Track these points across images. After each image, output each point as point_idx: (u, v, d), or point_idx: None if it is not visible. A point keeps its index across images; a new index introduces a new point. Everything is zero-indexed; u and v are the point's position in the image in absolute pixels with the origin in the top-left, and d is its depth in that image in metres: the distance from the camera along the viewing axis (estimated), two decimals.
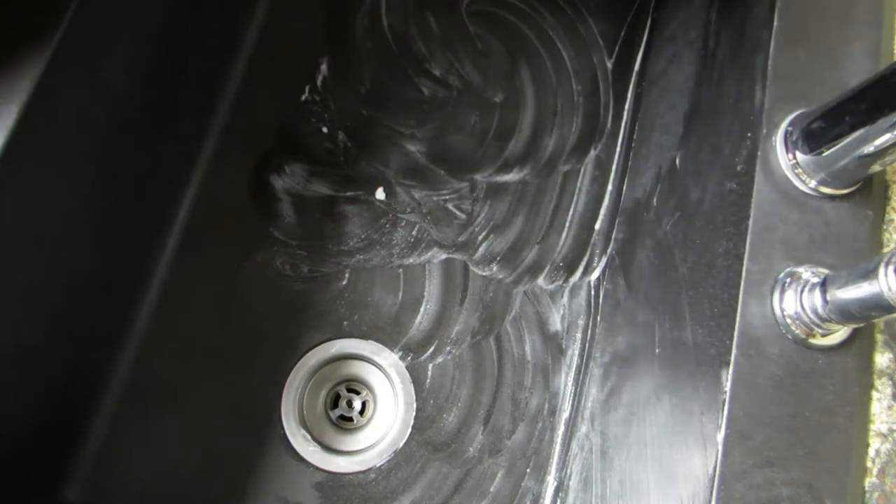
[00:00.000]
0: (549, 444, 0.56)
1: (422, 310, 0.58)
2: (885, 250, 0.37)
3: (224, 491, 0.53)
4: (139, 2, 0.49)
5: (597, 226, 0.62)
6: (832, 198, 0.36)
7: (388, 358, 0.57)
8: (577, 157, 0.63)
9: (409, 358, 0.57)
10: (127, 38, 0.48)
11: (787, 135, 0.37)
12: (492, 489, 0.55)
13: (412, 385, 0.56)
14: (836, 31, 0.39)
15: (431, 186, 0.61)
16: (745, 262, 0.35)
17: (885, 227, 0.37)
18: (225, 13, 0.62)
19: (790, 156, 0.36)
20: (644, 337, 0.47)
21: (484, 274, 0.60)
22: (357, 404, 0.57)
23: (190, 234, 0.58)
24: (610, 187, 0.63)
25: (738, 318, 0.34)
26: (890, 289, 0.28)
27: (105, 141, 0.48)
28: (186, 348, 0.55)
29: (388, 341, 0.57)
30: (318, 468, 0.54)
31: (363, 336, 0.57)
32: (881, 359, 0.35)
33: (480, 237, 0.60)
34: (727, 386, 0.34)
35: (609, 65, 0.66)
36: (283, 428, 0.54)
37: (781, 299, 0.34)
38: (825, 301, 0.32)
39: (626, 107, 0.65)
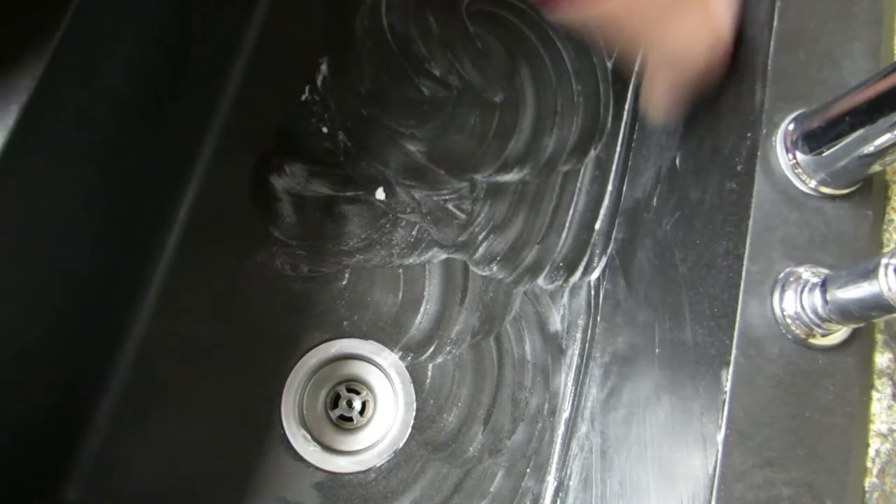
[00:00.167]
0: (549, 444, 0.56)
1: (422, 310, 0.58)
2: (885, 250, 0.37)
3: (224, 491, 0.53)
4: (139, 2, 0.49)
5: (597, 226, 0.62)
6: (832, 198, 0.36)
7: (388, 358, 0.57)
8: (577, 157, 0.63)
9: (409, 358, 0.57)
10: (127, 38, 0.48)
11: (787, 135, 0.37)
12: (492, 489, 0.55)
13: (412, 385, 0.56)
14: (836, 31, 0.39)
15: (431, 186, 0.61)
16: (745, 262, 0.35)
17: (885, 227, 0.37)
18: (225, 13, 0.62)
19: (790, 156, 0.36)
20: (644, 337, 0.47)
21: (484, 274, 0.60)
22: (357, 404, 0.57)
23: (190, 234, 0.58)
24: (610, 187, 0.63)
25: (738, 318, 0.34)
26: (890, 289, 0.28)
27: (105, 141, 0.48)
28: (186, 348, 0.55)
29: (388, 341, 0.57)
30: (318, 468, 0.54)
31: (363, 336, 0.57)
32: (881, 359, 0.35)
33: (480, 237, 0.60)
34: (727, 386, 0.34)
35: (609, 65, 0.66)
36: (283, 428, 0.54)
37: (781, 299, 0.34)
38: (825, 301, 0.32)
39: (626, 107, 0.65)
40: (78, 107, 0.44)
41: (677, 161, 0.50)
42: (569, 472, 0.54)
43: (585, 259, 0.61)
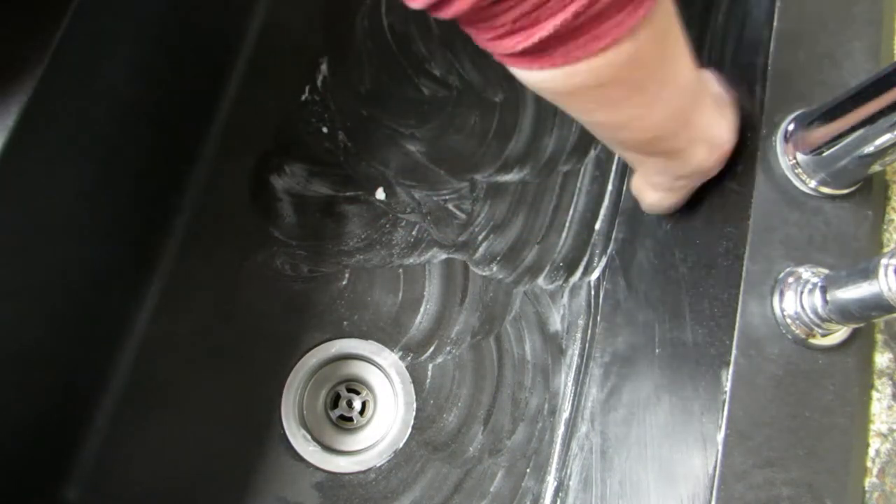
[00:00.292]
0: (549, 444, 0.56)
1: (422, 310, 0.58)
2: (885, 250, 0.37)
3: (224, 491, 0.53)
4: (139, 2, 0.49)
5: (597, 226, 0.62)
6: (832, 198, 0.36)
7: (388, 358, 0.57)
8: (577, 157, 0.63)
9: (409, 358, 0.57)
10: (127, 38, 0.48)
11: (787, 135, 0.37)
12: (492, 489, 0.55)
13: (412, 385, 0.56)
14: (836, 31, 0.39)
15: (431, 186, 0.61)
16: (745, 262, 0.35)
17: (885, 227, 0.37)
18: (225, 13, 0.62)
19: (790, 156, 0.36)
20: (644, 337, 0.47)
21: (484, 274, 0.60)
22: (357, 404, 0.57)
23: (190, 234, 0.58)
24: (610, 187, 0.63)
25: (738, 318, 0.34)
26: (890, 289, 0.28)
27: (105, 141, 0.48)
28: (186, 348, 0.55)
29: (388, 341, 0.57)
30: (318, 468, 0.54)
31: (363, 336, 0.57)
32: (881, 359, 0.35)
33: (480, 237, 0.60)
34: (727, 386, 0.33)
35: None
36: (283, 428, 0.54)
37: (781, 299, 0.34)
38: (825, 301, 0.32)
39: None
40: (78, 107, 0.44)
41: None
42: (569, 472, 0.54)
43: (585, 259, 0.61)
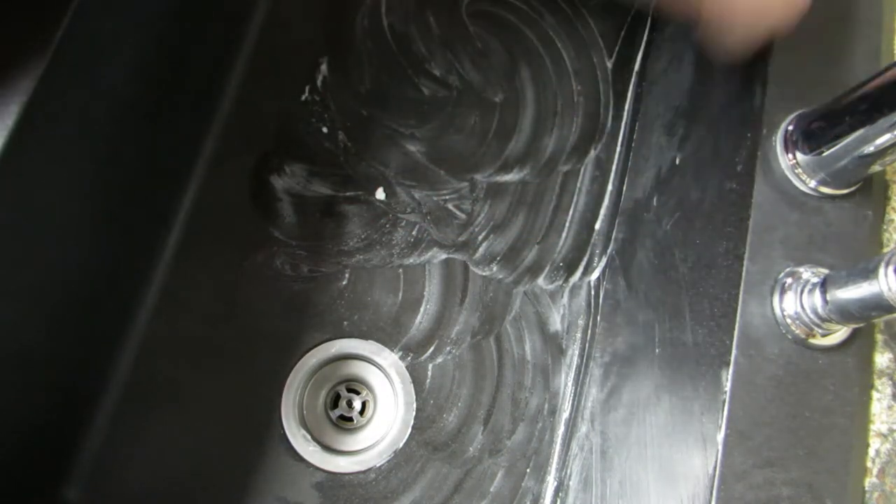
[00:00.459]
0: (549, 444, 0.56)
1: (422, 310, 0.58)
2: (885, 250, 0.37)
3: (224, 491, 0.53)
4: (139, 2, 0.49)
5: (597, 226, 0.62)
6: (832, 198, 0.36)
7: (388, 358, 0.57)
8: (577, 157, 0.63)
9: (409, 358, 0.57)
10: (127, 38, 0.48)
11: (787, 135, 0.37)
12: (492, 489, 0.55)
13: (412, 385, 0.56)
14: (836, 31, 0.39)
15: (431, 186, 0.61)
16: (745, 262, 0.35)
17: (885, 227, 0.37)
18: (225, 13, 0.62)
19: (790, 156, 0.36)
20: (644, 337, 0.47)
21: (484, 274, 0.60)
22: (357, 404, 0.57)
23: (190, 234, 0.58)
24: (610, 187, 0.63)
25: (738, 319, 0.34)
26: (890, 289, 0.28)
27: (105, 141, 0.48)
28: (186, 348, 0.55)
29: (388, 341, 0.57)
30: (318, 468, 0.54)
31: (363, 336, 0.57)
32: (881, 359, 0.35)
33: (480, 237, 0.60)
34: (727, 386, 0.34)
35: (609, 65, 0.66)
36: (283, 428, 0.54)
37: (781, 299, 0.34)
38: (825, 301, 0.32)
39: (626, 107, 0.65)
40: (78, 107, 0.44)
41: (677, 161, 0.50)
42: (569, 472, 0.54)
43: (585, 259, 0.61)
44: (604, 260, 0.61)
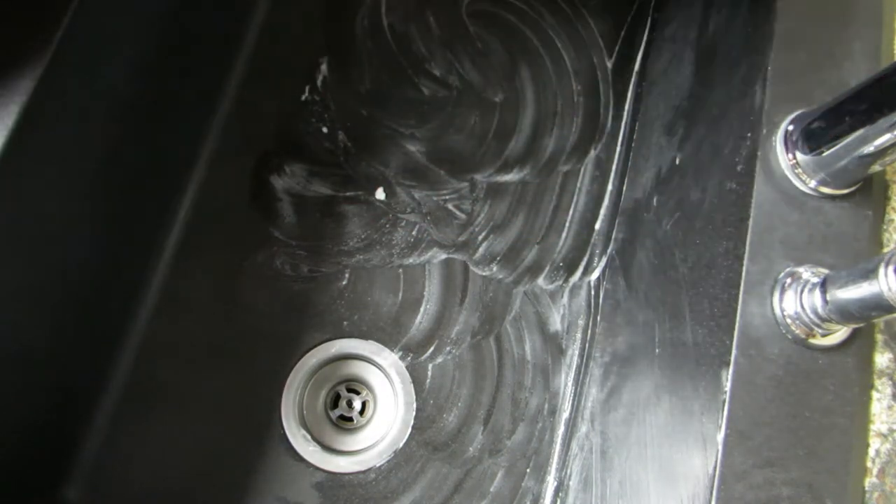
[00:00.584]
0: (549, 444, 0.56)
1: (422, 310, 0.58)
2: (885, 250, 0.37)
3: (224, 491, 0.53)
4: (140, 1, 0.49)
5: (597, 226, 0.62)
6: (832, 198, 0.36)
7: (388, 358, 0.57)
8: (577, 157, 0.63)
9: (409, 358, 0.57)
10: (127, 37, 0.48)
11: (787, 135, 0.37)
12: (492, 489, 0.55)
13: (412, 385, 0.56)
14: (836, 31, 0.39)
15: (431, 186, 0.61)
16: (745, 262, 0.35)
17: (885, 227, 0.37)
18: (225, 13, 0.62)
19: (790, 156, 0.36)
20: (644, 337, 0.47)
21: (484, 274, 0.60)
22: (357, 404, 0.57)
23: (190, 234, 0.58)
24: (610, 187, 0.63)
25: (738, 318, 0.34)
26: (890, 289, 0.28)
27: (105, 141, 0.48)
28: (186, 348, 0.55)
29: (388, 341, 0.57)
30: (318, 468, 0.54)
31: (363, 336, 0.57)
32: (881, 359, 0.35)
33: (480, 237, 0.60)
34: (727, 386, 0.34)
35: (609, 65, 0.66)
36: (283, 428, 0.54)
37: (781, 299, 0.34)
38: (825, 301, 0.32)
39: (626, 107, 0.65)
40: (78, 107, 0.44)
41: (677, 161, 0.50)
42: (569, 472, 0.54)
43: (585, 259, 0.61)
44: (604, 260, 0.61)
